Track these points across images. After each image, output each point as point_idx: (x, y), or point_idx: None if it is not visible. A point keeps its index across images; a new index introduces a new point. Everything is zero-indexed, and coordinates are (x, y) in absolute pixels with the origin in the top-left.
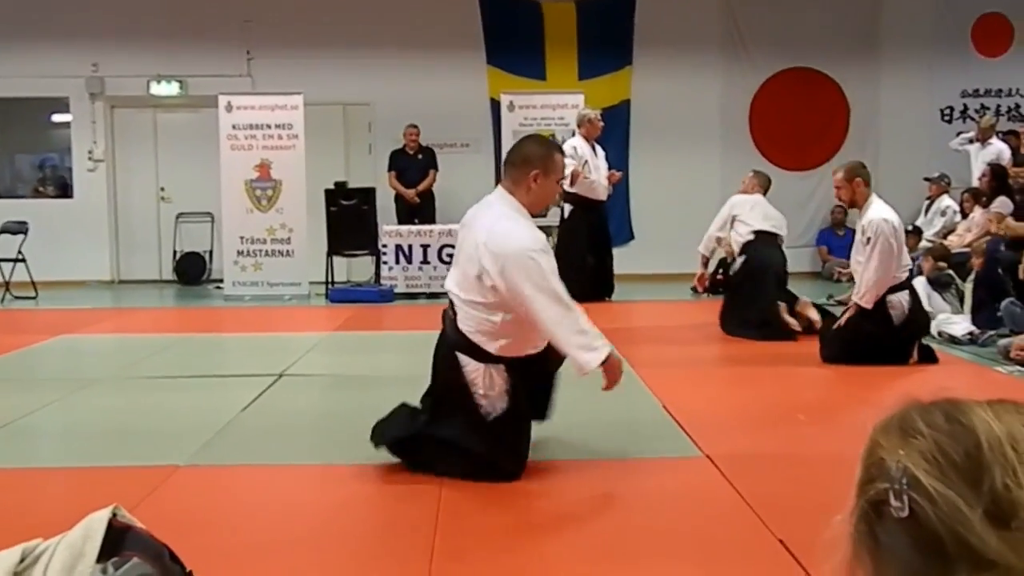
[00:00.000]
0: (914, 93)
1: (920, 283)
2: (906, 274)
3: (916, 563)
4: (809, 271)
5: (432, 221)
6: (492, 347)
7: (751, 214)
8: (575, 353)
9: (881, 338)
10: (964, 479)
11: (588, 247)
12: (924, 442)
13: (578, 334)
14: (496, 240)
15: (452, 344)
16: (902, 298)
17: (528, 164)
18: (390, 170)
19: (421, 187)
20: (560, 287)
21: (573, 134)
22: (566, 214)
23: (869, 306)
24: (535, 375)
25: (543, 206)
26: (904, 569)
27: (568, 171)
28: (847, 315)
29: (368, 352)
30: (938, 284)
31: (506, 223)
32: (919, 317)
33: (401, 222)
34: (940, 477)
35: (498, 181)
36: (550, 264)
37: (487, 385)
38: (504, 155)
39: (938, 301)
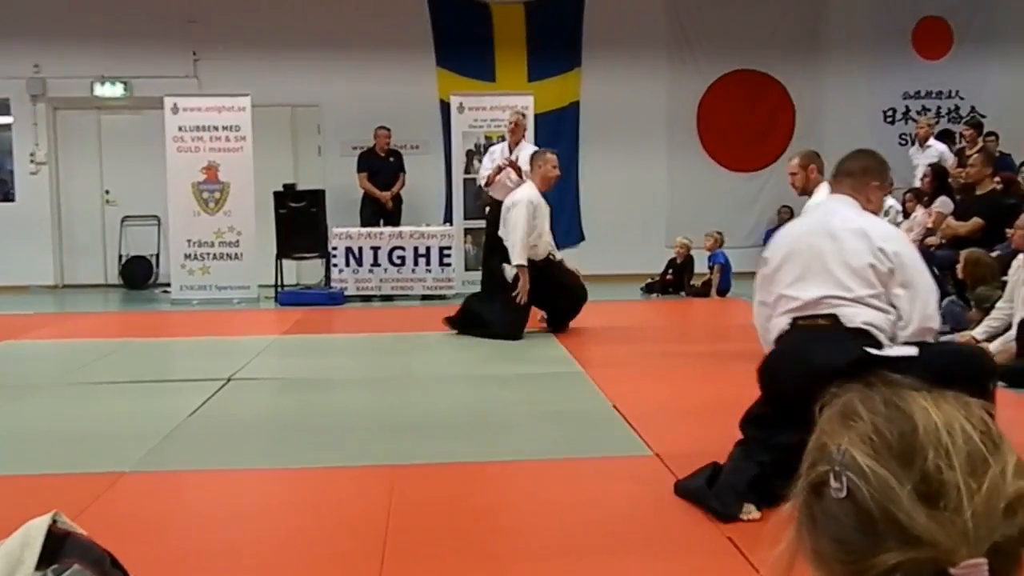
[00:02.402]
0: (857, 94)
1: None
2: None
3: (850, 540)
4: (756, 271)
5: (398, 223)
6: (885, 337)
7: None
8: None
9: None
10: (897, 458)
11: (504, 249)
12: (863, 424)
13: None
14: (880, 228)
15: (859, 345)
16: None
17: (868, 175)
18: (360, 171)
19: (395, 190)
20: None
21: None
22: (487, 215)
23: None
24: None
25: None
26: (838, 547)
27: (482, 174)
28: None
29: (318, 355)
30: None
31: (872, 218)
32: None
33: (366, 224)
34: (874, 456)
35: (449, 183)
36: None
37: None
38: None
39: None
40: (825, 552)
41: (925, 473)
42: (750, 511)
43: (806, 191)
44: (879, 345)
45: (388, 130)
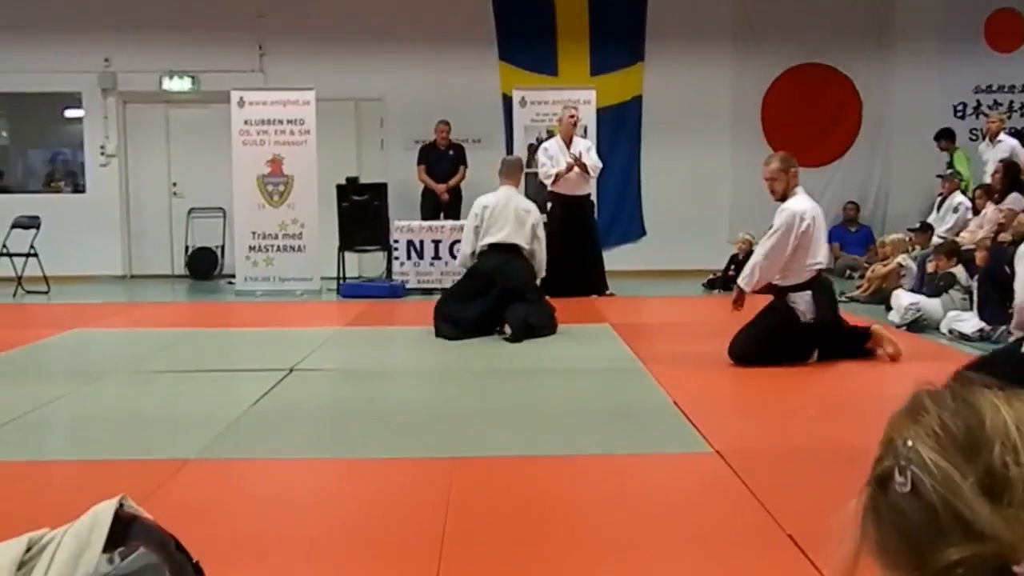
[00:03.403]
0: (926, 89)
1: (902, 294)
2: (811, 275)
3: (914, 534)
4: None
5: (457, 217)
6: None
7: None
8: None
9: (786, 335)
10: (961, 452)
11: (568, 243)
12: (929, 419)
13: None
14: None
15: None
16: (803, 298)
17: None
18: (420, 164)
19: (452, 183)
20: None
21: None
22: (548, 210)
23: (747, 289)
24: None
25: None
26: (903, 541)
27: (543, 171)
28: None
29: (379, 347)
30: (934, 288)
31: None
32: (824, 318)
33: (426, 217)
34: (938, 450)
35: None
36: None
37: None
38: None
39: (935, 303)
40: (890, 547)
41: (990, 467)
42: None
43: (785, 196)
44: None
45: (448, 124)
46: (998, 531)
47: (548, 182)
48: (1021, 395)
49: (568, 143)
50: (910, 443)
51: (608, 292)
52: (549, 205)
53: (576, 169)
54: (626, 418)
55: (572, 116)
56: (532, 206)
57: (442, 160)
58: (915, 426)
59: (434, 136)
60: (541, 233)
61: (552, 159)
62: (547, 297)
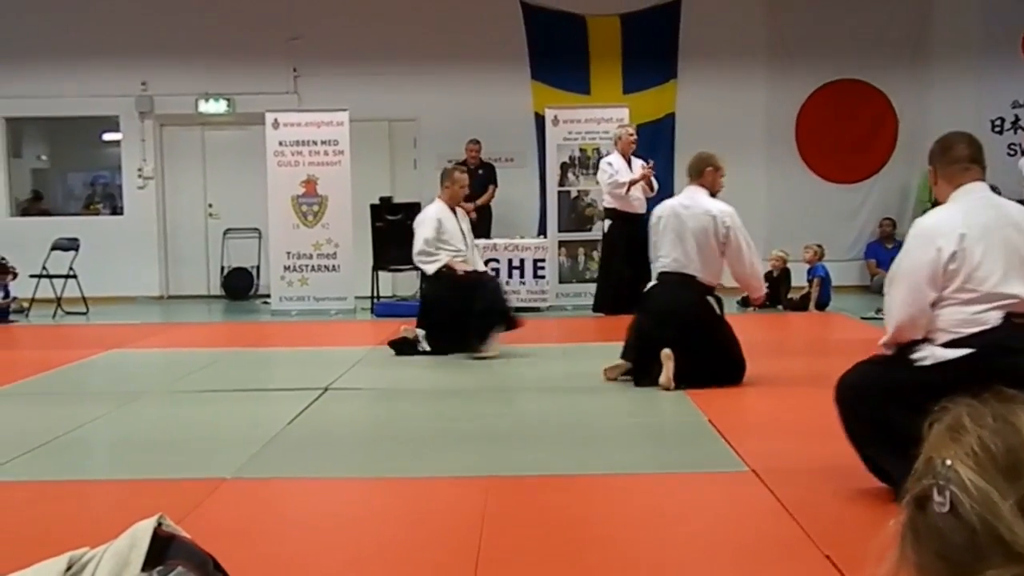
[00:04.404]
0: (963, 104)
1: None
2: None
3: (952, 555)
4: (858, 284)
5: (488, 236)
6: None
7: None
8: None
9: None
10: (1001, 472)
11: (625, 260)
12: (969, 438)
13: None
14: None
15: None
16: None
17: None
18: None
19: (479, 202)
20: None
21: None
22: (606, 228)
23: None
24: None
25: None
26: (941, 561)
27: (606, 182)
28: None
29: (413, 366)
30: None
31: None
32: None
33: None
34: (978, 470)
35: (543, 195)
36: None
37: None
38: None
39: None
40: (928, 568)
41: None
42: None
43: None
44: None
45: (478, 143)
46: None
47: (620, 192)
48: None
49: (629, 161)
50: (949, 462)
51: None
52: (607, 223)
53: (644, 181)
54: (661, 437)
55: (631, 135)
56: (428, 211)
57: (472, 179)
58: (954, 445)
59: (465, 155)
60: (418, 231)
61: (618, 173)
62: (601, 314)
